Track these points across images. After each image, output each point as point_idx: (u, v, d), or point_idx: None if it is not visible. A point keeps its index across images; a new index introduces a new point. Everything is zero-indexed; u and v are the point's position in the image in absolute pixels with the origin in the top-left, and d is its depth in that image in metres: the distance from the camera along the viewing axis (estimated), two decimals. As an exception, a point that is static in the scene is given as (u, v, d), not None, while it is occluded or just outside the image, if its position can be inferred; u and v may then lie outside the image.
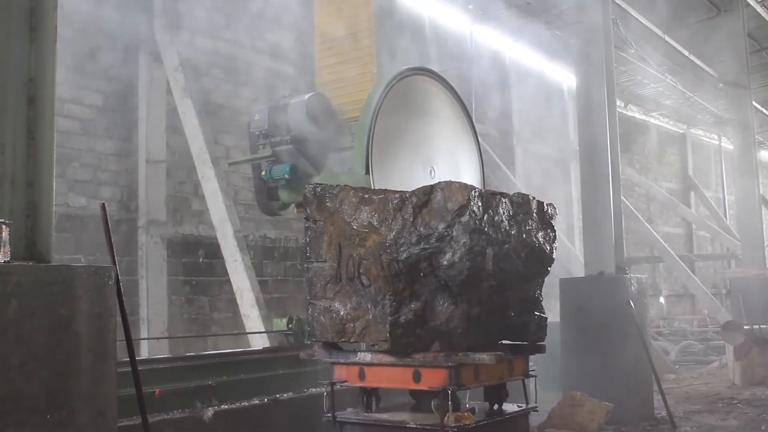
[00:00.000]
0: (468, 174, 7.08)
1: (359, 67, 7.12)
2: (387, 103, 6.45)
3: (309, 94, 7.14)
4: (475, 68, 14.88)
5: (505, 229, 4.44)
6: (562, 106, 18.33)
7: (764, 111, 19.82)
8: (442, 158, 6.94)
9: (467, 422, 4.25)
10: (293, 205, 7.43)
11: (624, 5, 12.25)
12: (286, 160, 7.05)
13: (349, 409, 4.93)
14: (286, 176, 6.97)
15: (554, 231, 4.86)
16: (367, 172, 6.20)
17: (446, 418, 4.23)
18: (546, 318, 4.90)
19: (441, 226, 4.26)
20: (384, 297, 4.37)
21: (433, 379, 4.39)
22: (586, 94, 8.53)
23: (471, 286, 4.29)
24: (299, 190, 7.02)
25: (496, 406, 4.83)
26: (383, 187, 5.29)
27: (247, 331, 7.81)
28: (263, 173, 7.18)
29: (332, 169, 6.84)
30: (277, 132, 7.10)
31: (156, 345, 8.68)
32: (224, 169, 8.99)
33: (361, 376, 4.68)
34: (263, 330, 7.48)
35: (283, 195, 7.30)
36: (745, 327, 9.93)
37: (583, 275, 8.47)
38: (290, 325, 6.88)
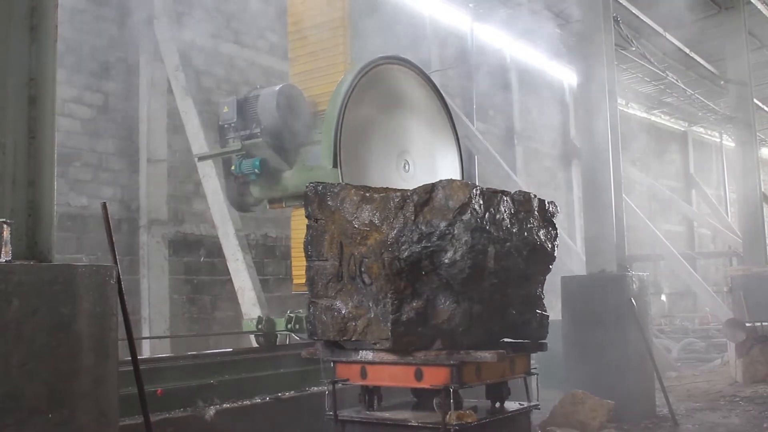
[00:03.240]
0: (446, 168, 6.81)
1: (332, 57, 6.85)
2: (358, 94, 6.10)
3: (280, 85, 6.84)
4: (476, 67, 14.88)
5: (507, 227, 4.43)
6: (563, 103, 18.35)
7: (765, 108, 19.80)
8: (418, 151, 6.64)
9: (469, 420, 4.24)
10: (266, 201, 7.17)
11: (625, 3, 12.23)
12: (257, 154, 6.71)
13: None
14: (256, 171, 6.65)
15: (556, 229, 4.84)
16: (335, 166, 5.85)
17: (448, 416, 4.22)
18: (548, 316, 4.89)
19: (442, 225, 4.25)
20: (385, 295, 4.36)
21: (434, 377, 4.38)
22: (587, 92, 8.53)
23: (472, 284, 4.28)
24: (270, 185, 6.82)
25: (497, 404, 4.82)
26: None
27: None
28: (233, 168, 6.87)
29: (304, 163, 6.56)
30: (246, 125, 6.76)
31: (158, 344, 8.69)
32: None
33: (363, 374, 4.68)
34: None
35: (255, 190, 7.01)
36: (747, 324, 9.93)
37: (584, 273, 8.46)
38: (260, 326, 6.75)
